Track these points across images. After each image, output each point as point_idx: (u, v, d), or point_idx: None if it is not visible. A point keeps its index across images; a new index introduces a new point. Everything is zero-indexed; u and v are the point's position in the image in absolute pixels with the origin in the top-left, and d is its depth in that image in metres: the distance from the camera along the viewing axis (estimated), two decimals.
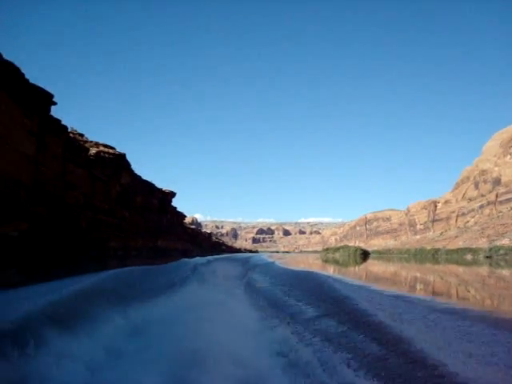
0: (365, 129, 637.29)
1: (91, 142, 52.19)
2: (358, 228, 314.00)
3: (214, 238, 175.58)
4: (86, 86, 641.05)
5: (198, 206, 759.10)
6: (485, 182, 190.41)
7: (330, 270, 38.29)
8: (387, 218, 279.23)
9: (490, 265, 61.17)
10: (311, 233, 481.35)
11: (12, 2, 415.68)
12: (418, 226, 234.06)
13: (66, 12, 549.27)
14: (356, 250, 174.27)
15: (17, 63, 30.98)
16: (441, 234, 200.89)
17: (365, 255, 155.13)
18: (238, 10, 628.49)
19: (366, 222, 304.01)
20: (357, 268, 49.66)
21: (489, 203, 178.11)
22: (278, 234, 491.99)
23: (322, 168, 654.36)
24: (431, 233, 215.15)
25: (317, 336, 6.82)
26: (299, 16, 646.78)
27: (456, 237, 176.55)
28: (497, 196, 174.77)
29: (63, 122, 39.88)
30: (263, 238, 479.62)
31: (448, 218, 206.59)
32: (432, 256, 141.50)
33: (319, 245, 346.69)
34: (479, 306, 15.56)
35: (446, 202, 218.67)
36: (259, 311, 9.62)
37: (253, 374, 5.04)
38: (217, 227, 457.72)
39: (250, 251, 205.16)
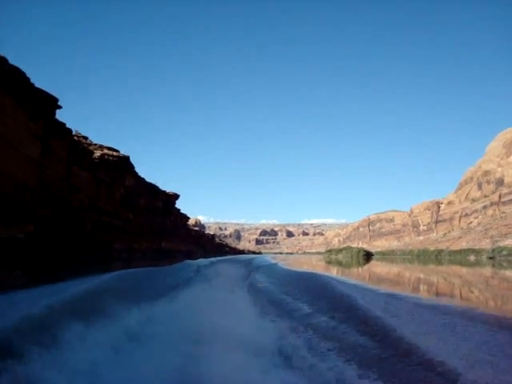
0: (368, 129, 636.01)
1: (95, 144, 52.61)
2: (361, 229, 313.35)
3: (217, 239, 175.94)
4: (87, 87, 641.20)
5: (202, 208, 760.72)
6: (488, 182, 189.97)
7: (334, 272, 38.42)
8: (390, 219, 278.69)
9: (493, 266, 61.23)
10: (314, 234, 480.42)
11: (12, 1, 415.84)
12: (422, 227, 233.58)
13: (66, 11, 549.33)
14: (359, 252, 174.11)
15: (16, 63, 31.42)
16: (444, 234, 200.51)
17: (368, 256, 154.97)
18: (238, 10, 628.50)
19: (369, 223, 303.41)
20: (360, 269, 49.78)
21: (492, 204, 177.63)
22: (281, 236, 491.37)
23: (325, 169, 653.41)
24: (434, 234, 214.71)
25: (334, 340, 6.94)
26: (299, 16, 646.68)
27: (459, 238, 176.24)
28: (500, 197, 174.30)
29: (67, 125, 40.45)
30: (266, 239, 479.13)
31: (451, 219, 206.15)
32: (435, 257, 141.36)
33: (322, 246, 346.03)
34: (480, 305, 15.78)
35: (450, 202, 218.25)
36: (264, 313, 9.78)
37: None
38: (220, 229, 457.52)
39: (254, 252, 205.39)
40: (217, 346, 5.70)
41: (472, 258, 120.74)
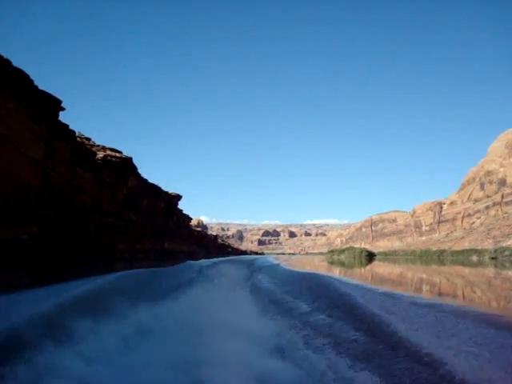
0: (370, 130, 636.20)
1: (98, 146, 52.82)
2: (363, 229, 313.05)
3: (219, 240, 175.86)
4: (87, 87, 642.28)
5: (204, 209, 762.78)
6: (490, 182, 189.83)
7: (336, 272, 38.50)
8: (393, 220, 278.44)
9: (496, 266, 61.24)
10: (317, 234, 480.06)
11: (12, 1, 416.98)
12: (424, 228, 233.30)
13: (65, 11, 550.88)
14: (361, 252, 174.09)
15: (17, 63, 31.60)
16: (446, 235, 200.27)
17: (370, 257, 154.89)
18: (238, 10, 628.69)
19: (372, 223, 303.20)
20: (362, 270, 49.80)
21: (494, 204, 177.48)
22: (283, 236, 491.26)
23: (328, 169, 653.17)
24: (437, 234, 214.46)
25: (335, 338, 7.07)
26: (299, 16, 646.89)
27: (462, 238, 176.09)
28: (502, 197, 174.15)
29: (70, 127, 40.64)
30: (269, 240, 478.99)
31: (454, 219, 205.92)
32: (437, 257, 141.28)
33: (325, 246, 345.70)
34: (474, 304, 15.89)
35: (452, 203, 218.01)
36: (265, 312, 9.90)
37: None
38: (222, 229, 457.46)
39: (256, 253, 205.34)
40: (219, 340, 5.90)
41: (474, 258, 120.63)
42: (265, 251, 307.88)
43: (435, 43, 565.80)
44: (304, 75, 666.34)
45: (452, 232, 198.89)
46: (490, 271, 45.77)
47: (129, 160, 56.46)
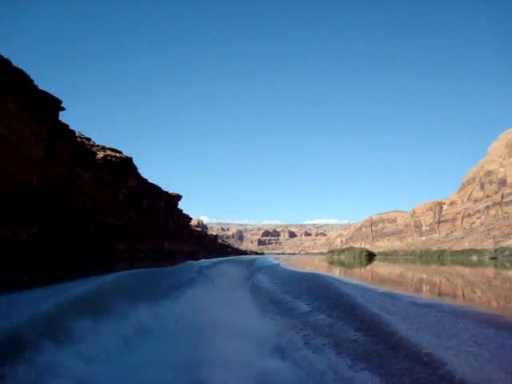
0: (370, 130, 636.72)
1: (98, 145, 52.85)
2: (363, 229, 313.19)
3: (219, 240, 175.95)
4: (87, 87, 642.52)
5: (204, 209, 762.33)
6: (490, 182, 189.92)
7: (336, 272, 38.53)
8: (393, 220, 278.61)
9: (495, 266, 61.28)
10: (317, 234, 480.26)
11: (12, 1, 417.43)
12: (424, 228, 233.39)
13: (65, 11, 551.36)
14: (361, 252, 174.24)
15: (16, 63, 31.63)
16: (446, 235, 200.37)
17: (370, 257, 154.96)
18: (238, 10, 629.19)
19: (372, 223, 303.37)
20: (362, 270, 49.84)
21: (494, 204, 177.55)
22: (283, 236, 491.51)
23: (328, 169, 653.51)
24: (437, 234, 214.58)
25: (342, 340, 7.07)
26: (299, 16, 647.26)
27: (462, 238, 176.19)
28: (502, 197, 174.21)
29: (70, 127, 40.67)
30: (269, 240, 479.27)
31: (454, 219, 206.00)
32: (437, 257, 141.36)
33: (325, 246, 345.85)
34: (474, 304, 15.90)
35: (452, 203, 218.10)
36: (265, 312, 9.92)
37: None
38: (222, 229, 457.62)
39: (256, 253, 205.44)
40: (219, 340, 5.93)
41: (474, 258, 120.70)
42: (265, 251, 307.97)
43: (435, 43, 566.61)
44: (304, 75, 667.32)
45: (452, 232, 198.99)
46: (489, 271, 45.81)
47: (129, 160, 56.51)
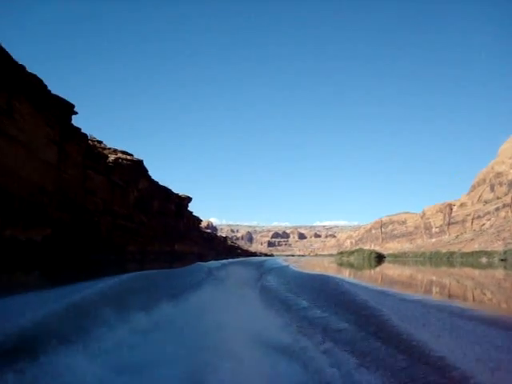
0: (380, 131, 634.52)
1: (109, 148, 53.44)
2: (373, 231, 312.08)
3: (229, 241, 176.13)
4: (92, 89, 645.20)
5: (214, 210, 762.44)
6: (500, 184, 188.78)
7: (345, 274, 38.64)
8: (403, 222, 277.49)
9: (505, 268, 61.07)
10: (326, 236, 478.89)
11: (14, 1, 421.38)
12: (434, 229, 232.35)
13: (67, 12, 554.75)
14: (371, 254, 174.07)
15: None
16: (456, 237, 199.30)
17: (379, 259, 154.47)
18: (239, 10, 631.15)
19: (382, 225, 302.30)
20: (372, 271, 49.83)
21: (504, 206, 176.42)
22: (293, 238, 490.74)
23: (338, 171, 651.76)
24: (447, 236, 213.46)
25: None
26: (299, 16, 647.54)
27: (472, 240, 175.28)
28: None
29: (82, 130, 41.29)
30: (278, 241, 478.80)
31: (464, 221, 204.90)
32: (447, 259, 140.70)
33: (334, 248, 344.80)
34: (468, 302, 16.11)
35: (462, 204, 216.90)
36: (274, 312, 10.10)
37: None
38: (232, 231, 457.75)
39: (266, 255, 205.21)
40: (228, 339, 6.19)
41: (484, 260, 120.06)
42: (274, 253, 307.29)
43: (447, 44, 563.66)
44: (318, 77, 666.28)
45: (462, 234, 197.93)
46: (499, 273, 45.77)
47: (140, 162, 57.03)
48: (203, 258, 68.99)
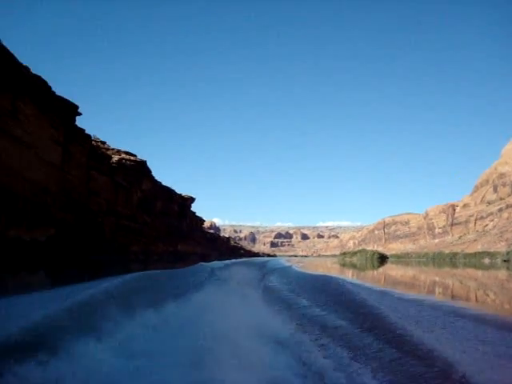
0: (383, 132, 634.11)
1: (113, 149, 53.62)
2: (376, 232, 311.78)
3: (232, 242, 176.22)
4: (93, 90, 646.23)
5: (217, 211, 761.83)
6: (503, 185, 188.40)
7: (348, 275, 38.73)
8: (406, 222, 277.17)
9: (508, 268, 61.01)
10: (329, 237, 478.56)
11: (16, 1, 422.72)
12: (437, 230, 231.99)
13: (67, 12, 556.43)
14: (373, 254, 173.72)
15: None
16: (459, 237, 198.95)
17: (382, 259, 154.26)
18: (240, 10, 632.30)
19: (385, 225, 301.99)
20: (374, 272, 49.90)
21: (508, 207, 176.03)
22: (296, 238, 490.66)
23: (341, 171, 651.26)
24: (450, 236, 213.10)
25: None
26: (299, 16, 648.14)
27: (475, 240, 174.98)
28: None
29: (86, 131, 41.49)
30: (281, 242, 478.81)
31: (467, 222, 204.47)
32: (450, 260, 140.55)
33: (337, 249, 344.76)
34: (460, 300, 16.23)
35: (465, 205, 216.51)
36: (276, 311, 10.22)
37: None
38: (235, 231, 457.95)
39: (268, 255, 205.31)
40: (231, 339, 6.33)
41: (486, 260, 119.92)
42: (277, 253, 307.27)
43: (447, 44, 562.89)
44: (325, 76, 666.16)
45: (465, 234, 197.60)
46: (502, 274, 45.79)
47: (143, 163, 57.18)
48: (206, 258, 69.07)
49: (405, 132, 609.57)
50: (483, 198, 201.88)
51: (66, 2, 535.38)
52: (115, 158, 50.56)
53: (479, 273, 47.96)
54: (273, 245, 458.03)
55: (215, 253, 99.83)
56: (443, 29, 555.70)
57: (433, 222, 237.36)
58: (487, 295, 21.19)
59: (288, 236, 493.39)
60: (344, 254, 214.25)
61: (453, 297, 19.64)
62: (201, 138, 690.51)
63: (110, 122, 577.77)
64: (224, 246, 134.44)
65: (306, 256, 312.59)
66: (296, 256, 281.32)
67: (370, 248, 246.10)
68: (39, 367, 4.79)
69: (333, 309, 9.60)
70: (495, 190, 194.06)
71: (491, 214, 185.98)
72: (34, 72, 32.24)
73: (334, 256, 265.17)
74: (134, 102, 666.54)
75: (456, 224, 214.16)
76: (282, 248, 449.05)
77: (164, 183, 72.75)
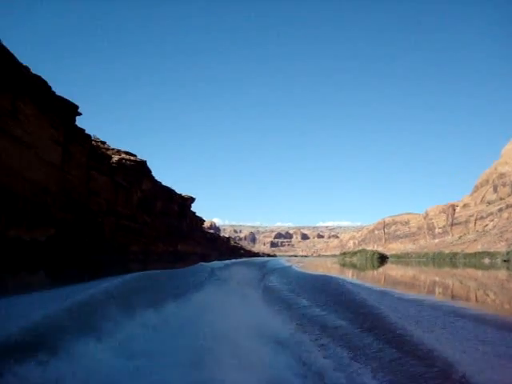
0: (383, 132, 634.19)
1: (113, 149, 53.60)
2: (376, 232, 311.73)
3: (232, 242, 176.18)
4: (93, 90, 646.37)
5: (217, 211, 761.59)
6: (503, 185, 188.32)
7: (348, 274, 38.76)
8: (406, 222, 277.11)
9: (508, 268, 61.01)
10: (329, 237, 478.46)
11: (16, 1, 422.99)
12: (437, 230, 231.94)
13: (68, 13, 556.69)
14: (373, 254, 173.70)
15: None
16: (459, 237, 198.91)
17: (382, 259, 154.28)
18: (240, 10, 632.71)
19: (385, 225, 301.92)
20: (374, 272, 49.91)
21: (508, 207, 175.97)
22: (296, 238, 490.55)
23: (341, 171, 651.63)
24: (450, 236, 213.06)
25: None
26: (299, 16, 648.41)
27: (475, 240, 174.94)
28: None
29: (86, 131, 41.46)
30: (281, 242, 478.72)
31: (467, 222, 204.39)
32: (450, 260, 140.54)
33: (337, 249, 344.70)
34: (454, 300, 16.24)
35: (465, 205, 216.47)
36: (276, 311, 10.23)
37: None
38: (235, 231, 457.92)
39: (268, 255, 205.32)
40: (231, 339, 6.33)
41: (486, 260, 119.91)
42: (277, 253, 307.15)
43: (447, 44, 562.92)
44: (325, 76, 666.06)
45: (465, 234, 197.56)
46: (502, 274, 45.79)
47: (143, 163, 57.17)
48: (206, 258, 69.06)
49: (405, 132, 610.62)
50: (483, 198, 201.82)
51: (66, 2, 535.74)
52: (115, 158, 50.55)
53: (479, 273, 47.97)
54: (273, 245, 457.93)
55: (215, 253, 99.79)
56: (443, 29, 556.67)
57: (433, 222, 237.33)
58: (487, 295, 21.21)
59: (288, 236, 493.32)
60: (344, 254, 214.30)
61: (453, 297, 19.64)
62: (201, 137, 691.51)
63: (110, 122, 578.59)
64: (224, 246, 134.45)
65: (306, 256, 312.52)
66: (296, 256, 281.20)
67: (369, 248, 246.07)
68: (39, 367, 4.81)
69: (333, 309, 9.62)
70: (495, 190, 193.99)
71: (491, 214, 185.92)
72: (34, 72, 32.23)
73: (333, 256, 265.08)
74: (133, 102, 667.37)
75: (456, 224, 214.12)
76: (282, 248, 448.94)
77: (164, 183, 72.86)
